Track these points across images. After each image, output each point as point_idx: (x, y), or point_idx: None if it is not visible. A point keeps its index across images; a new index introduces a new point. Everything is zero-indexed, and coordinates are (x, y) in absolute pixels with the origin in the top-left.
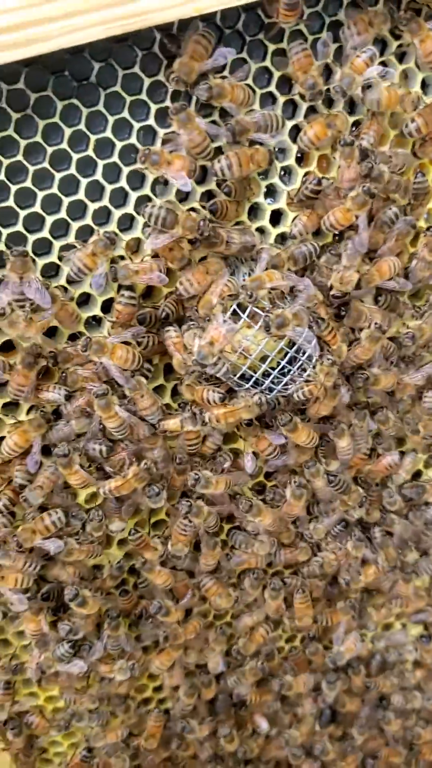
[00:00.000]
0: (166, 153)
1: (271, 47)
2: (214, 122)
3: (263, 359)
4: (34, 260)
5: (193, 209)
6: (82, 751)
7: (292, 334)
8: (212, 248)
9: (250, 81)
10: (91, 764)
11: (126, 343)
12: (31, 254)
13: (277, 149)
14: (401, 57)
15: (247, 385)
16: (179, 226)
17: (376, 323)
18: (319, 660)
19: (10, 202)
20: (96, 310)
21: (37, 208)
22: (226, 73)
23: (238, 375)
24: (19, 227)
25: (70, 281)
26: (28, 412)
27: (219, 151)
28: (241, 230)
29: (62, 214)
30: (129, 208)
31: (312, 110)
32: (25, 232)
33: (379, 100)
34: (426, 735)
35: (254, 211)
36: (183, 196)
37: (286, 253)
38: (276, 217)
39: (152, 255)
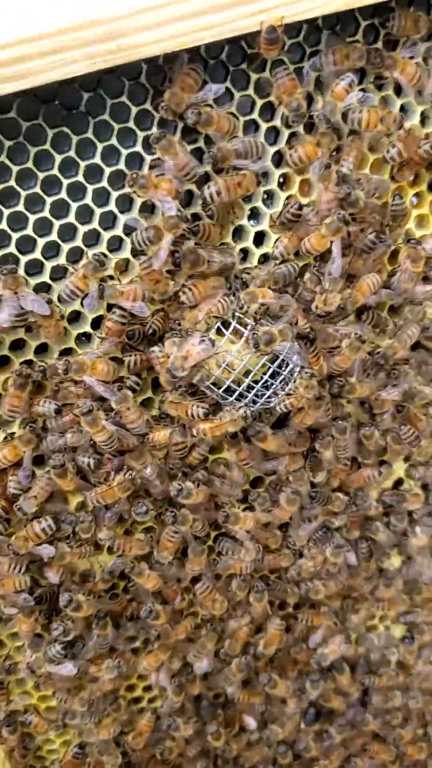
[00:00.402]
0: (153, 177)
1: (254, 77)
2: (198, 149)
3: (247, 374)
4: (26, 280)
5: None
6: (73, 748)
7: (279, 349)
8: (194, 267)
9: (233, 109)
10: (83, 762)
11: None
12: (23, 275)
13: (260, 173)
14: (380, 86)
15: (231, 399)
16: (164, 231)
17: (356, 333)
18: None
19: (3, 226)
20: (86, 327)
21: (29, 230)
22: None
23: (222, 389)
24: (11, 249)
25: (60, 300)
26: (21, 425)
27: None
28: (222, 250)
29: (53, 236)
30: (118, 231)
31: (293, 136)
32: (17, 253)
33: (360, 119)
34: (407, 735)
35: (238, 233)
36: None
37: (267, 273)
38: (259, 239)
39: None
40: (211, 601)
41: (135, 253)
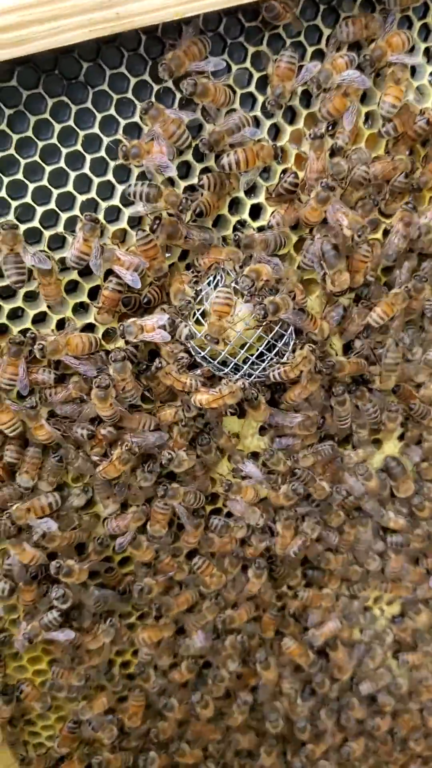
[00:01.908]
0: (144, 144)
1: (251, 50)
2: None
3: (243, 346)
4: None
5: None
6: (69, 723)
7: (286, 317)
8: (170, 239)
9: (230, 81)
10: (80, 736)
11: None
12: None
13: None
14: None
15: (226, 370)
16: (162, 200)
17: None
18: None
19: (3, 194)
20: (83, 297)
21: (28, 199)
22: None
23: (218, 360)
24: (11, 217)
25: (61, 270)
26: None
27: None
28: (201, 227)
29: (52, 205)
30: (115, 201)
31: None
32: (16, 221)
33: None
34: (383, 725)
35: (235, 206)
36: None
37: (259, 236)
38: (256, 212)
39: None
40: (209, 575)
41: (133, 224)
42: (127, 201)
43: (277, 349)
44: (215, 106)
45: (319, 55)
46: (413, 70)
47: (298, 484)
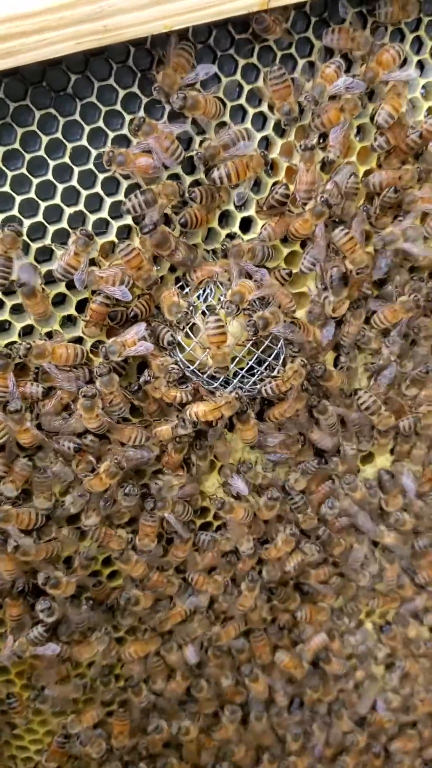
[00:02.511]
0: (131, 153)
1: (242, 62)
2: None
3: (233, 359)
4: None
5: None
6: (58, 737)
7: (277, 331)
8: (158, 248)
9: (221, 94)
10: (69, 750)
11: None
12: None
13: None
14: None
15: (216, 384)
16: (161, 196)
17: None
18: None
19: None
20: (71, 310)
21: (14, 211)
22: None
23: (207, 374)
24: None
25: (47, 282)
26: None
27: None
28: (188, 246)
29: (39, 217)
30: (104, 213)
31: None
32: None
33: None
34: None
35: (225, 219)
36: None
37: (247, 245)
38: (246, 225)
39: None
40: (206, 583)
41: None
42: (115, 213)
43: (267, 363)
44: (206, 118)
45: (311, 66)
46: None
47: (273, 491)
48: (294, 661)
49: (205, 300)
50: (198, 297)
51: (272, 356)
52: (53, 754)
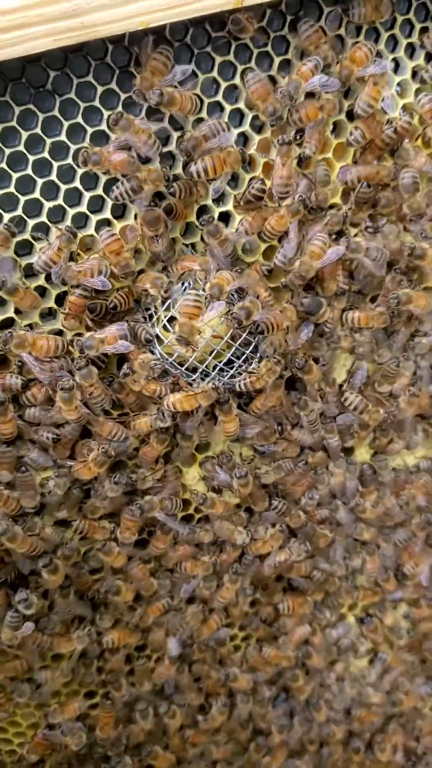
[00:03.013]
0: (105, 151)
1: (219, 59)
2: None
3: (211, 353)
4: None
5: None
6: (42, 730)
7: (259, 318)
8: (149, 226)
9: (198, 90)
10: (53, 743)
11: None
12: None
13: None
14: None
15: (194, 376)
16: (147, 183)
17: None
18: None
19: None
20: (50, 303)
21: None
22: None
23: (186, 367)
24: None
25: (27, 275)
26: None
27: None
28: (170, 242)
29: (19, 211)
30: (83, 207)
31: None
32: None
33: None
34: (338, 732)
35: (203, 214)
36: None
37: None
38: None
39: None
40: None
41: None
42: (94, 207)
43: (245, 355)
44: (182, 114)
45: (286, 64)
46: None
47: (239, 470)
48: (280, 652)
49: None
50: (176, 290)
51: (250, 349)
52: (36, 746)
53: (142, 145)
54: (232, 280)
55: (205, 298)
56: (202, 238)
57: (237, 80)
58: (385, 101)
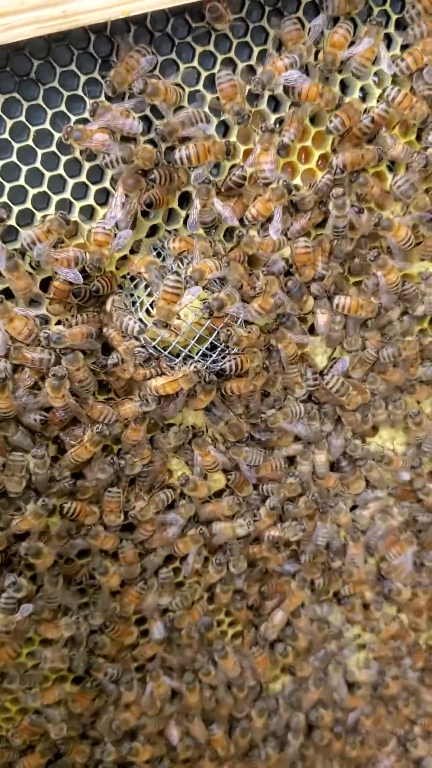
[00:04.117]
0: (88, 129)
1: (199, 49)
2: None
3: (194, 337)
4: None
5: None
6: (30, 715)
7: (234, 311)
8: (128, 188)
9: (179, 80)
10: (40, 728)
11: None
12: None
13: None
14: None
15: (177, 361)
16: (138, 158)
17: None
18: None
19: None
20: (35, 289)
21: None
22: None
23: (168, 350)
24: None
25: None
26: None
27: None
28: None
29: (4, 198)
30: (66, 194)
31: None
32: None
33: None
34: (327, 716)
35: (186, 201)
36: None
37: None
38: None
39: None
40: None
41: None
42: (78, 195)
43: (226, 342)
44: (167, 105)
45: (263, 54)
46: None
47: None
48: None
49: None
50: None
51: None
52: (22, 730)
53: (122, 125)
54: (215, 269)
55: (185, 282)
56: (184, 222)
57: (216, 70)
58: (383, 60)
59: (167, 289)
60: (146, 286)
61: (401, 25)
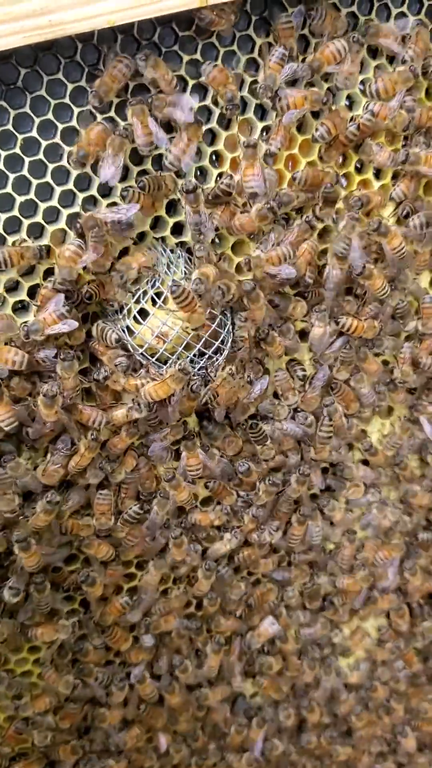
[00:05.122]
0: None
1: (186, 57)
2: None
3: (182, 344)
4: None
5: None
6: (16, 723)
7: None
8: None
9: None
10: (28, 736)
11: None
12: None
13: None
14: None
15: (165, 367)
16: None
17: None
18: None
19: None
20: (23, 296)
21: None
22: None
23: (155, 357)
24: None
25: None
26: None
27: None
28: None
29: None
30: (54, 202)
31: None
32: None
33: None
34: (314, 717)
35: (173, 209)
36: (106, 191)
37: None
38: None
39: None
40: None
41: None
42: (65, 203)
43: (215, 346)
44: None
45: (253, 62)
46: None
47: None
48: None
49: (153, 286)
50: (146, 282)
51: (219, 340)
52: (9, 739)
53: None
54: (216, 274)
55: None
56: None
57: (203, 79)
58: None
59: (180, 305)
60: (133, 294)
61: None
